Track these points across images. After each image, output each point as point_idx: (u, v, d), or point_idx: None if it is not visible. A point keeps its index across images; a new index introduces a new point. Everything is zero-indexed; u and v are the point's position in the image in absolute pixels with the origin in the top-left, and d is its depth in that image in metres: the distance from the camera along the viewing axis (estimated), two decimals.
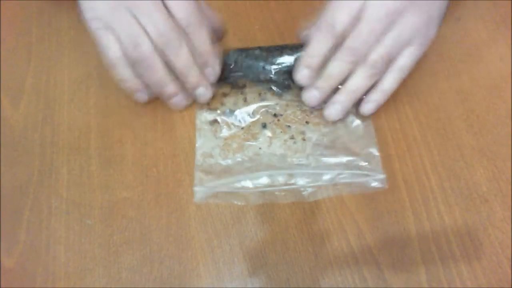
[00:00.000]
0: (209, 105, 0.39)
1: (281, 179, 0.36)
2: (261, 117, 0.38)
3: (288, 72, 0.38)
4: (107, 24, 0.34)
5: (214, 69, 0.37)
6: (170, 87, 0.36)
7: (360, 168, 0.35)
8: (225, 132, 0.38)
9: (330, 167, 0.36)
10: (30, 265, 0.34)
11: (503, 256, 0.33)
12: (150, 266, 0.34)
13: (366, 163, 0.36)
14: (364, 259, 0.33)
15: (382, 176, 0.35)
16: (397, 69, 0.35)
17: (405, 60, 0.35)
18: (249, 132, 0.38)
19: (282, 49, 0.39)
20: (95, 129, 0.39)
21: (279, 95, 0.39)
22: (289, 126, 0.38)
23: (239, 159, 0.36)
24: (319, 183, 0.35)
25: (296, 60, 0.38)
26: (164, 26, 0.33)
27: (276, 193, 0.35)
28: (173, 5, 0.33)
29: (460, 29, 0.42)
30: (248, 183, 0.35)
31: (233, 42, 0.42)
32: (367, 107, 0.36)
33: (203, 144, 0.37)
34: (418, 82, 0.39)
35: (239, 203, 0.35)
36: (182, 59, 0.34)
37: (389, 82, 0.35)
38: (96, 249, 0.34)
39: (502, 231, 0.34)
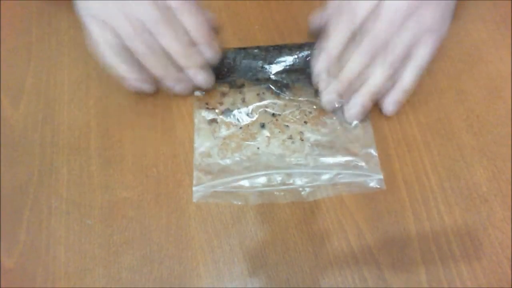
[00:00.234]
0: (207, 104, 0.39)
1: (279, 179, 0.36)
2: (260, 117, 0.38)
3: (287, 71, 0.38)
4: (102, 20, 0.34)
5: (212, 49, 0.37)
6: (172, 73, 0.36)
7: (358, 168, 0.35)
8: (223, 132, 0.38)
9: (328, 167, 0.36)
10: (30, 265, 0.34)
11: (503, 256, 0.33)
12: (150, 266, 0.34)
13: (364, 164, 0.36)
14: (364, 259, 0.33)
15: (380, 176, 0.35)
16: (415, 65, 0.35)
17: (422, 55, 0.34)
18: (247, 131, 0.38)
19: (281, 49, 0.39)
20: (95, 129, 0.39)
21: (278, 95, 0.39)
22: (287, 126, 0.38)
23: (238, 159, 0.36)
24: (318, 183, 0.35)
25: (311, 52, 0.38)
26: (154, 11, 0.33)
27: (275, 193, 0.35)
28: None
29: (460, 29, 0.42)
30: (247, 183, 0.35)
31: (233, 42, 0.42)
32: (391, 108, 0.36)
33: (202, 143, 0.37)
34: (418, 82, 0.39)
35: (238, 203, 0.35)
36: (176, 42, 0.35)
37: (409, 80, 0.35)
38: (96, 249, 0.34)
39: (502, 231, 0.34)
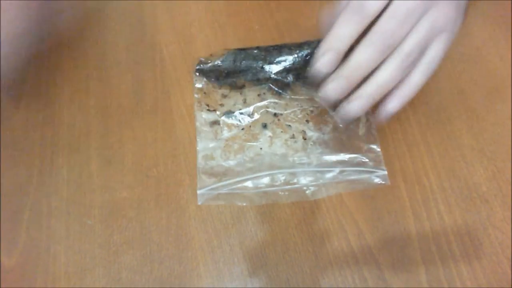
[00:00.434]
0: (208, 106, 0.39)
1: (283, 179, 0.36)
2: (261, 117, 0.38)
3: (288, 70, 0.38)
4: None
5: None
6: None
7: (361, 164, 0.35)
8: (225, 134, 0.38)
9: (331, 165, 0.36)
10: (30, 265, 0.34)
11: (503, 256, 0.33)
12: (150, 266, 0.34)
13: (368, 160, 0.36)
14: (364, 259, 0.33)
15: (384, 172, 0.35)
16: (428, 61, 0.32)
17: (437, 50, 0.32)
18: (249, 132, 0.38)
19: (281, 48, 0.39)
20: (95, 129, 0.39)
21: (279, 95, 0.39)
22: (289, 125, 0.38)
23: (241, 160, 0.36)
24: (322, 181, 0.35)
25: (311, 51, 0.36)
26: None
27: (279, 193, 0.35)
28: None
29: (460, 29, 0.42)
30: (250, 184, 0.35)
31: (233, 42, 0.42)
32: (394, 104, 0.32)
33: (204, 146, 0.37)
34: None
35: (243, 204, 0.35)
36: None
37: (420, 75, 0.32)
38: (96, 249, 0.34)
39: (502, 231, 0.34)
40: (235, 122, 0.38)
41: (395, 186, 0.35)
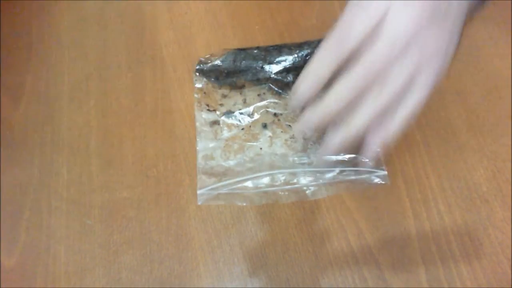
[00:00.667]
0: (208, 106, 0.39)
1: (283, 179, 0.36)
2: (261, 117, 0.38)
3: (287, 70, 0.38)
4: None
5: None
6: None
7: (361, 164, 0.35)
8: (225, 134, 0.38)
9: (332, 164, 0.36)
10: (30, 265, 0.34)
11: (503, 256, 0.33)
12: (150, 266, 0.34)
13: (368, 160, 0.36)
14: (364, 259, 0.33)
15: (384, 172, 0.35)
16: (416, 97, 0.29)
17: (424, 84, 0.29)
18: (249, 132, 0.38)
19: (281, 48, 0.39)
20: (95, 129, 0.39)
21: (279, 95, 0.39)
22: (289, 125, 0.38)
23: (241, 160, 0.36)
24: (322, 181, 0.35)
25: (311, 51, 0.36)
26: None
27: (280, 193, 0.35)
28: None
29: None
30: (250, 184, 0.35)
31: (233, 42, 0.42)
32: (374, 148, 0.31)
33: (204, 146, 0.37)
34: None
35: (243, 204, 0.35)
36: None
37: (407, 111, 0.30)
38: (96, 249, 0.34)
39: (502, 231, 0.34)
40: (235, 122, 0.38)
41: (395, 186, 0.35)
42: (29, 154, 0.38)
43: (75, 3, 0.45)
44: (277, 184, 0.35)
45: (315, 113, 0.30)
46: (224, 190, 0.35)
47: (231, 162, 0.36)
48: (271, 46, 0.39)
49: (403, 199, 0.35)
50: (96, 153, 0.38)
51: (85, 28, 0.44)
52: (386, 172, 0.35)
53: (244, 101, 0.39)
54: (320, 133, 0.36)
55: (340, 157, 0.36)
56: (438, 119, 0.38)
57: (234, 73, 0.39)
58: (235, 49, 0.40)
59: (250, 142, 0.37)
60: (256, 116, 0.38)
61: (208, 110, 0.39)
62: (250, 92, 0.39)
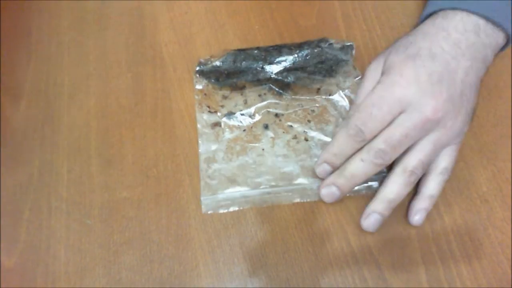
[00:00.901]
0: (209, 107, 0.39)
1: (285, 180, 0.36)
2: (263, 118, 0.38)
3: (288, 70, 0.38)
4: None
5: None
6: None
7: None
8: (227, 135, 0.37)
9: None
10: (30, 265, 0.34)
11: (503, 256, 0.33)
12: (150, 266, 0.34)
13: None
14: (364, 259, 0.33)
15: (385, 174, 0.35)
16: (440, 172, 0.33)
17: (447, 161, 0.33)
18: (251, 133, 0.38)
19: (281, 49, 0.39)
20: (95, 129, 0.39)
21: (280, 95, 0.39)
22: (291, 126, 0.38)
23: (243, 162, 0.36)
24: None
25: (311, 51, 0.38)
26: None
27: (282, 193, 0.35)
28: None
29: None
30: (253, 185, 0.35)
31: (233, 42, 0.42)
32: (418, 218, 0.33)
33: (206, 149, 0.37)
34: None
35: (247, 207, 0.35)
36: None
37: (435, 188, 0.33)
38: (96, 249, 0.34)
39: (502, 231, 0.34)
40: (236, 123, 0.38)
41: None
42: (29, 154, 0.38)
43: (75, 3, 0.45)
44: (279, 185, 0.35)
45: (331, 189, 0.34)
46: (227, 196, 0.35)
47: (234, 164, 0.36)
48: (271, 46, 0.39)
49: (403, 199, 0.35)
50: (96, 153, 0.38)
51: (85, 28, 0.44)
52: (386, 174, 0.35)
53: (245, 102, 0.39)
54: None
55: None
56: None
57: (235, 74, 0.39)
58: (235, 50, 0.40)
59: (252, 143, 0.37)
60: (257, 117, 0.38)
61: (209, 111, 0.39)
62: (251, 93, 0.39)
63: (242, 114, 0.38)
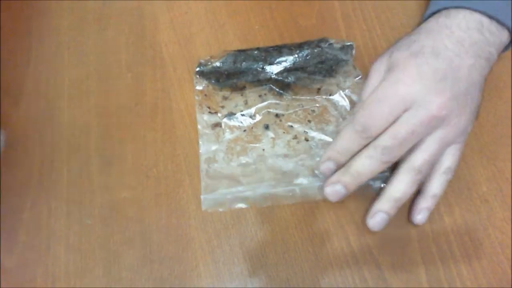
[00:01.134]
0: (209, 108, 0.39)
1: (286, 180, 0.36)
2: (263, 118, 0.38)
3: (288, 71, 0.38)
4: None
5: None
6: None
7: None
8: (227, 136, 0.37)
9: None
10: (30, 265, 0.34)
11: (503, 256, 0.33)
12: (150, 266, 0.34)
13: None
14: (364, 259, 0.33)
15: (386, 173, 0.35)
16: (444, 172, 0.33)
17: (451, 161, 0.33)
18: (251, 134, 0.38)
19: (281, 49, 0.39)
20: (95, 129, 0.39)
21: (280, 95, 0.39)
22: (291, 126, 0.38)
23: (243, 162, 0.36)
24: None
25: (311, 51, 0.38)
26: None
27: (283, 193, 0.35)
28: None
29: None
30: (254, 186, 0.35)
31: (233, 42, 0.42)
32: (420, 217, 0.33)
33: (207, 149, 0.37)
34: None
35: (247, 206, 0.35)
36: None
37: (438, 187, 0.33)
38: (96, 249, 0.34)
39: (502, 231, 0.34)
40: (236, 124, 0.38)
41: None
42: (29, 154, 0.38)
43: (75, 3, 0.45)
44: (280, 185, 0.35)
45: (336, 187, 0.34)
46: (227, 195, 0.35)
47: (234, 164, 0.36)
48: (271, 47, 0.39)
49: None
50: (96, 153, 0.38)
51: (85, 28, 0.44)
52: (388, 174, 0.35)
53: (246, 103, 0.39)
54: None
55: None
56: None
57: (235, 75, 0.39)
58: (235, 51, 0.40)
59: (253, 143, 0.37)
60: (258, 117, 0.38)
61: (210, 112, 0.39)
62: (251, 94, 0.39)
63: (242, 115, 0.38)
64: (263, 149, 0.37)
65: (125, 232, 0.35)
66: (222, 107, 0.39)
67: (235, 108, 0.39)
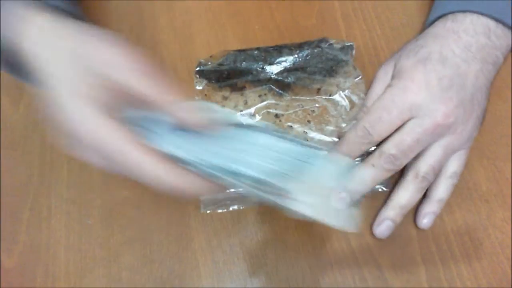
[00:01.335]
0: None
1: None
2: (263, 118, 0.38)
3: (288, 71, 0.38)
4: None
5: None
6: None
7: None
8: None
9: None
10: (30, 265, 0.34)
11: (503, 256, 0.33)
12: (150, 266, 0.34)
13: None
14: (364, 259, 0.33)
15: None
16: (450, 176, 0.33)
17: (456, 165, 0.33)
18: None
19: (281, 49, 0.39)
20: None
21: (280, 95, 0.39)
22: (291, 126, 0.38)
23: None
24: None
25: (311, 51, 0.38)
26: None
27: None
28: None
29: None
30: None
31: (233, 42, 0.42)
32: (426, 221, 0.33)
33: None
34: None
35: (247, 207, 0.35)
36: None
37: (444, 191, 0.33)
38: (96, 249, 0.34)
39: (502, 231, 0.34)
40: None
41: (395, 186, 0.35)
42: (29, 154, 0.38)
43: (75, 3, 0.45)
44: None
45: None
46: (226, 195, 0.35)
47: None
48: (271, 47, 0.39)
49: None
50: None
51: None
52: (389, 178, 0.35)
53: (245, 103, 0.39)
54: None
55: None
56: None
57: (235, 75, 0.39)
58: (235, 51, 0.40)
59: None
60: (258, 117, 0.38)
61: None
62: (251, 94, 0.39)
63: (242, 115, 0.38)
64: None
65: (125, 232, 0.35)
66: (222, 107, 0.39)
67: (235, 108, 0.39)
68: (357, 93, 0.38)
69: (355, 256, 0.33)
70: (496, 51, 0.33)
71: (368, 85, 0.38)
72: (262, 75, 0.38)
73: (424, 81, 0.32)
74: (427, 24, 0.37)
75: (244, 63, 0.39)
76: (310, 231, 0.34)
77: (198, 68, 0.40)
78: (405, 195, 0.33)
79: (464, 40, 0.33)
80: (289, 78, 0.38)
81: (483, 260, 0.33)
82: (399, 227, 0.34)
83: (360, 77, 0.39)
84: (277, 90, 0.39)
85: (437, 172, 0.33)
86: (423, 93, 0.32)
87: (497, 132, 0.37)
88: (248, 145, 0.29)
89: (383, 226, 0.33)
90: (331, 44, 0.39)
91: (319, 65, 0.38)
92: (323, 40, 0.40)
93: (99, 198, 0.36)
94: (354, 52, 0.40)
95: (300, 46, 0.39)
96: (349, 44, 0.40)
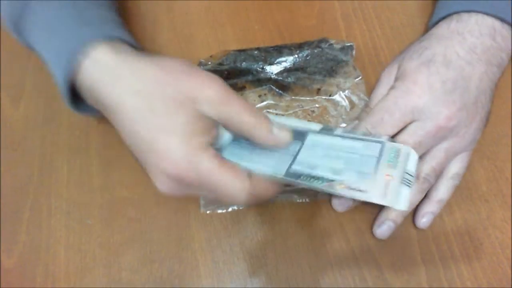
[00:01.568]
0: None
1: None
2: None
3: (288, 71, 0.38)
4: None
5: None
6: None
7: None
8: None
9: None
10: (30, 265, 0.34)
11: (503, 256, 0.33)
12: (150, 266, 0.34)
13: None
14: (364, 259, 0.33)
15: None
16: (451, 177, 0.33)
17: (458, 167, 0.33)
18: None
19: (281, 49, 0.39)
20: (95, 129, 0.39)
21: (280, 96, 0.39)
22: None
23: None
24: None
25: (311, 51, 0.38)
26: None
27: (282, 193, 0.35)
28: None
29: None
30: None
31: (233, 42, 0.42)
32: (425, 221, 0.33)
33: None
34: None
35: (246, 207, 0.35)
36: None
37: (445, 192, 0.33)
38: (96, 249, 0.34)
39: (502, 231, 0.34)
40: None
41: None
42: (29, 154, 0.38)
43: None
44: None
45: (341, 199, 0.34)
46: None
47: None
48: (272, 47, 0.39)
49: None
50: (96, 153, 0.38)
51: None
52: None
53: None
54: None
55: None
56: None
57: (235, 75, 0.39)
58: (235, 51, 0.40)
59: None
60: None
61: None
62: (251, 94, 0.39)
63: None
64: None
65: (125, 232, 0.35)
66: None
67: None
68: (357, 94, 0.38)
69: (355, 256, 0.33)
70: (501, 53, 0.33)
71: (368, 85, 0.38)
72: (262, 75, 0.38)
73: (427, 84, 0.32)
74: (430, 24, 0.37)
75: (244, 63, 0.39)
76: (310, 231, 0.34)
77: None
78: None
79: (469, 42, 0.33)
80: (289, 78, 0.38)
81: (483, 260, 0.33)
82: (399, 227, 0.34)
83: (360, 77, 0.39)
84: (277, 90, 0.39)
85: (438, 174, 0.33)
86: (426, 96, 0.32)
87: (497, 132, 0.37)
88: (318, 149, 0.30)
89: (384, 227, 0.33)
90: (331, 44, 0.39)
91: (319, 65, 0.38)
92: (323, 40, 0.40)
93: (99, 198, 0.36)
94: (354, 52, 0.40)
95: (300, 46, 0.39)
96: (349, 44, 0.40)
